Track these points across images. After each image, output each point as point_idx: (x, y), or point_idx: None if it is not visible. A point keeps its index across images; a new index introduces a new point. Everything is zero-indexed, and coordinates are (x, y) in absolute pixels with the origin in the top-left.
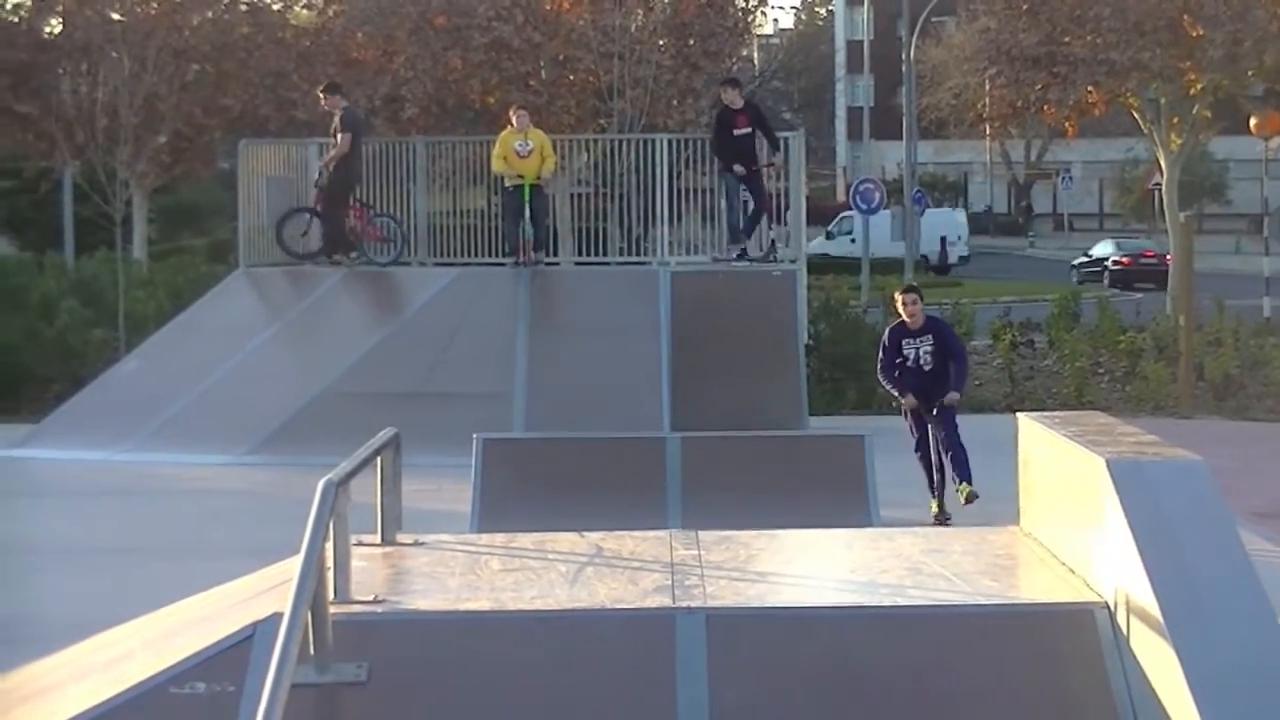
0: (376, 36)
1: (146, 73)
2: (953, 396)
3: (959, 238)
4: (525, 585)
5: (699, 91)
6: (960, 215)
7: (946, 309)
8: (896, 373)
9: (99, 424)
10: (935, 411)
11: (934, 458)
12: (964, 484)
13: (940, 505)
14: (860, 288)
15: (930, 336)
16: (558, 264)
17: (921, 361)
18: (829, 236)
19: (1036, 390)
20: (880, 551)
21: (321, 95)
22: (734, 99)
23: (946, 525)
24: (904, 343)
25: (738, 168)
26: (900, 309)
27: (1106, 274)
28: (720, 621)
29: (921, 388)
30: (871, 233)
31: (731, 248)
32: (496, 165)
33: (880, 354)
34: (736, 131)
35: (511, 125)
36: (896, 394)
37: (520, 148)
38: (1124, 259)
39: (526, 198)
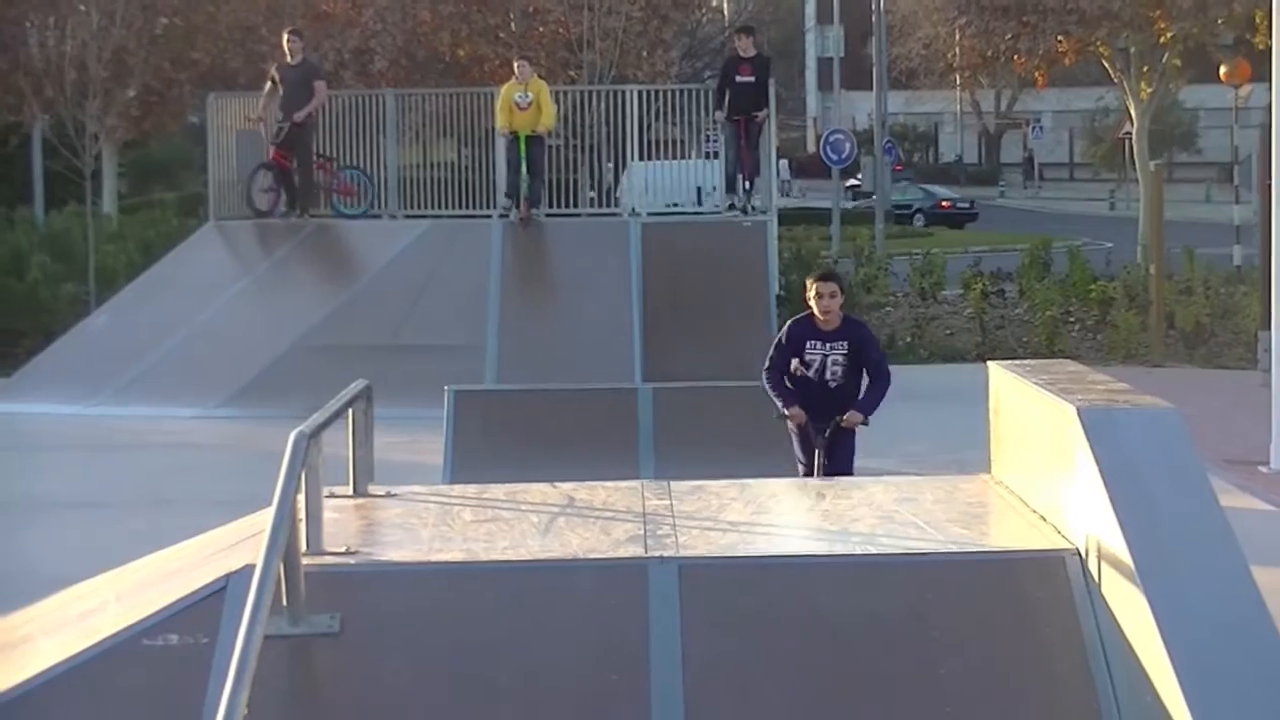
0: None
1: (115, 26)
2: (854, 417)
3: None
4: (497, 536)
5: (668, 43)
6: None
7: (918, 259)
8: (787, 382)
9: (70, 378)
10: (828, 434)
11: None
12: None
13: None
14: (831, 238)
15: (845, 343)
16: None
17: (828, 374)
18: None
19: (1007, 339)
20: (852, 500)
21: (295, 37)
22: (746, 47)
23: None
24: (809, 345)
25: (736, 116)
26: (811, 300)
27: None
28: (693, 571)
29: (820, 408)
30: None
31: (728, 196)
32: (499, 118)
33: (771, 351)
34: (739, 79)
35: (515, 76)
36: (780, 402)
37: (520, 99)
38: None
39: (523, 150)
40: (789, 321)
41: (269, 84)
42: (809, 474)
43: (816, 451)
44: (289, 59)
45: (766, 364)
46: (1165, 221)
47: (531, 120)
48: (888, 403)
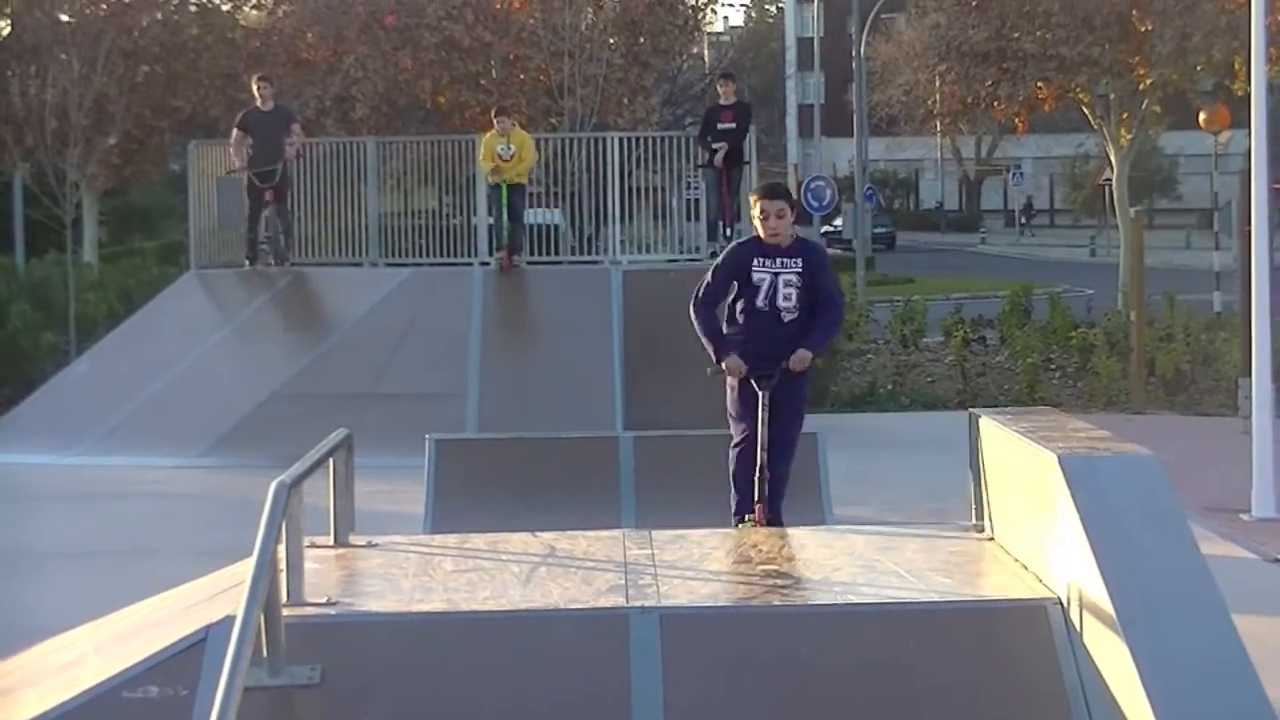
0: (327, 36)
1: (96, 74)
2: (802, 356)
3: None
4: (479, 586)
5: (649, 89)
6: None
7: (899, 306)
8: (727, 316)
9: (50, 427)
10: (776, 380)
11: (759, 455)
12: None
13: (759, 497)
14: None
15: (799, 261)
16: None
17: (780, 299)
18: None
19: (988, 387)
20: (833, 549)
21: (265, 84)
22: (728, 93)
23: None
24: (756, 264)
25: (717, 162)
26: (756, 221)
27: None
28: (674, 620)
29: (770, 349)
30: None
31: (710, 243)
32: (482, 165)
33: (706, 277)
34: (720, 126)
35: (496, 129)
36: (712, 350)
37: (503, 151)
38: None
39: (505, 198)
40: (730, 245)
41: (237, 132)
42: (750, 440)
43: (761, 411)
44: (260, 105)
45: (698, 292)
46: (1146, 268)
47: (514, 170)
48: (869, 450)
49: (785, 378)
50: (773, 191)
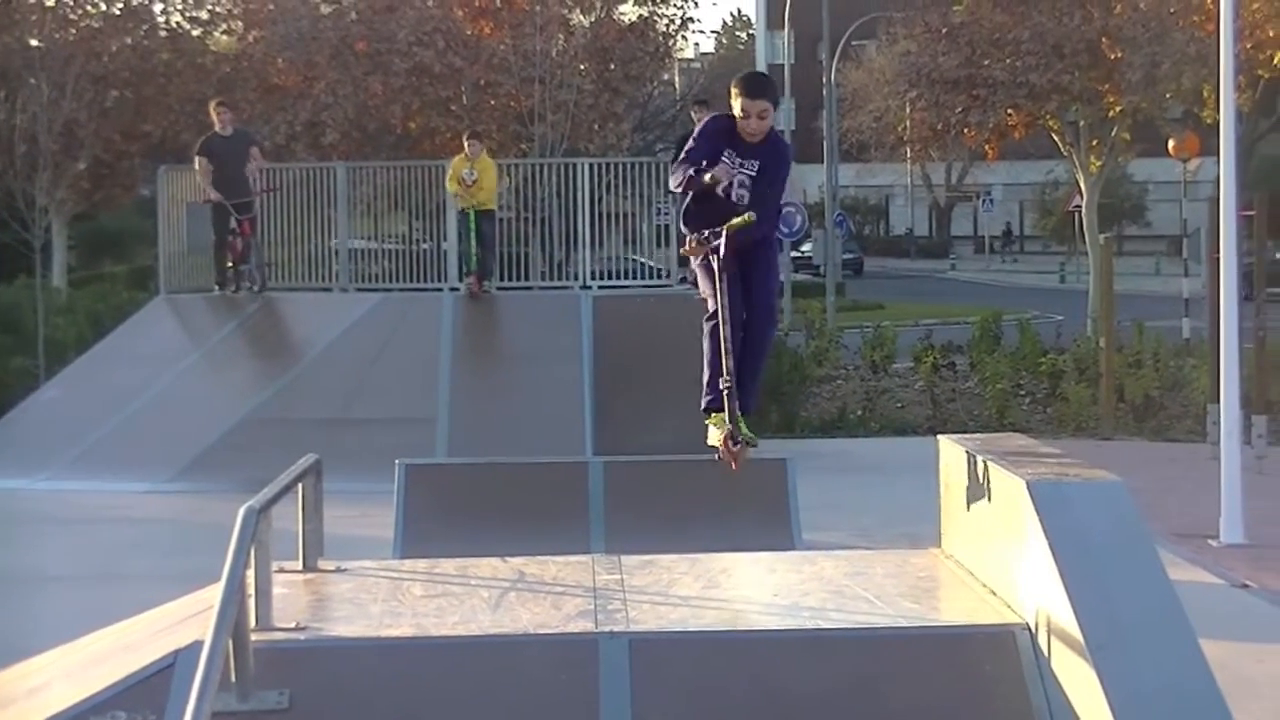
0: (297, 62)
1: (66, 99)
2: (749, 217)
3: None
4: (448, 611)
5: (620, 115)
6: None
7: (869, 332)
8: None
9: (18, 452)
10: (723, 239)
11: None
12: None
13: (732, 418)
14: (782, 311)
15: (756, 163)
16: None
17: (733, 192)
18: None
19: (958, 412)
20: (803, 574)
21: (224, 109)
22: (700, 120)
23: (738, 451)
24: (726, 155)
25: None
26: (736, 114)
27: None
28: (644, 646)
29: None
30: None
31: (680, 269)
32: (450, 188)
33: (692, 142)
34: None
35: (465, 153)
36: (688, 186)
37: (466, 175)
38: None
39: (474, 225)
40: (712, 116)
41: (202, 159)
42: (729, 304)
43: (726, 235)
44: (219, 129)
45: (682, 157)
46: (1115, 294)
47: (478, 196)
48: (840, 475)
49: (750, 244)
50: (757, 88)
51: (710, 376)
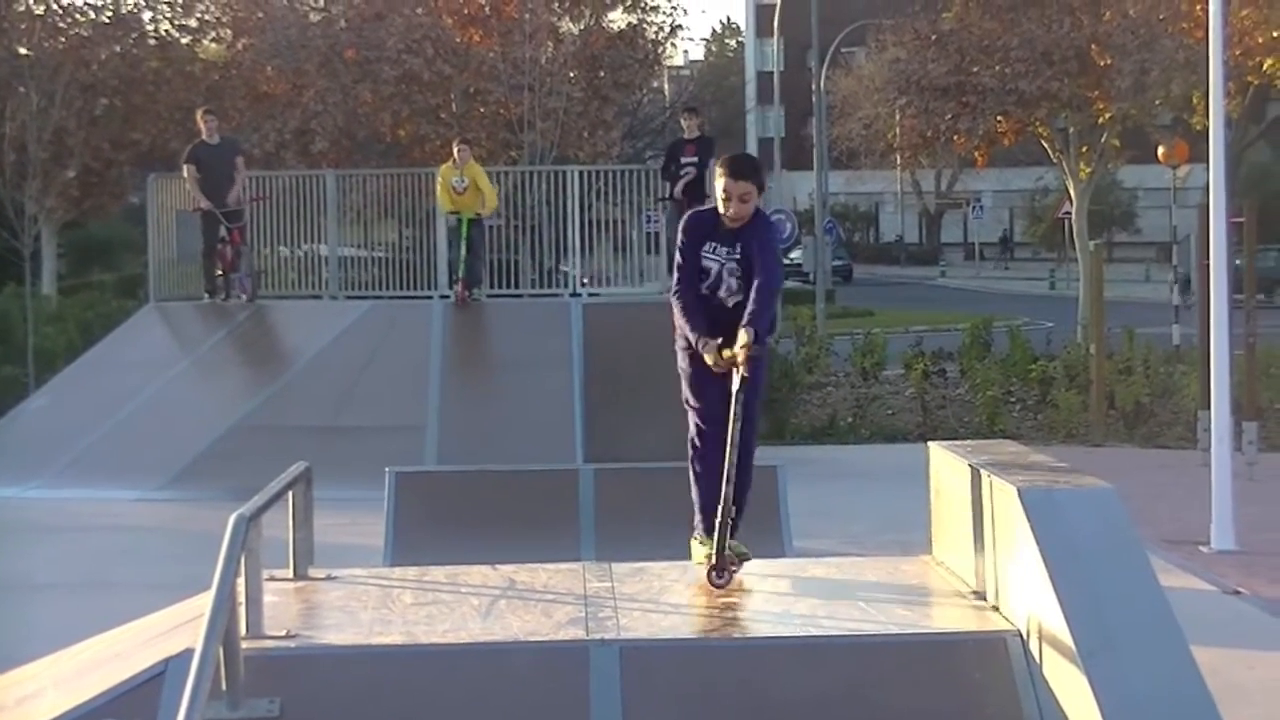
0: (286, 70)
1: (55, 107)
2: (743, 334)
3: None
4: (438, 619)
5: (610, 123)
6: None
7: (859, 339)
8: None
9: (8, 460)
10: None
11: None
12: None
13: (721, 546)
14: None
15: (739, 245)
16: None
17: (723, 290)
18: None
19: (949, 419)
20: (793, 581)
21: (211, 117)
22: (691, 128)
23: (725, 574)
24: (707, 249)
25: (677, 193)
26: (719, 200)
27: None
28: (634, 653)
29: (725, 334)
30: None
31: (670, 276)
32: (440, 200)
33: (678, 258)
34: (683, 160)
35: (453, 160)
36: (691, 336)
37: (457, 183)
38: None
39: (464, 233)
40: (691, 214)
41: (190, 167)
42: (714, 431)
43: (735, 402)
44: (205, 138)
45: (676, 277)
46: (1105, 301)
47: (472, 203)
48: (830, 482)
49: (746, 367)
50: (739, 170)
51: (705, 502)
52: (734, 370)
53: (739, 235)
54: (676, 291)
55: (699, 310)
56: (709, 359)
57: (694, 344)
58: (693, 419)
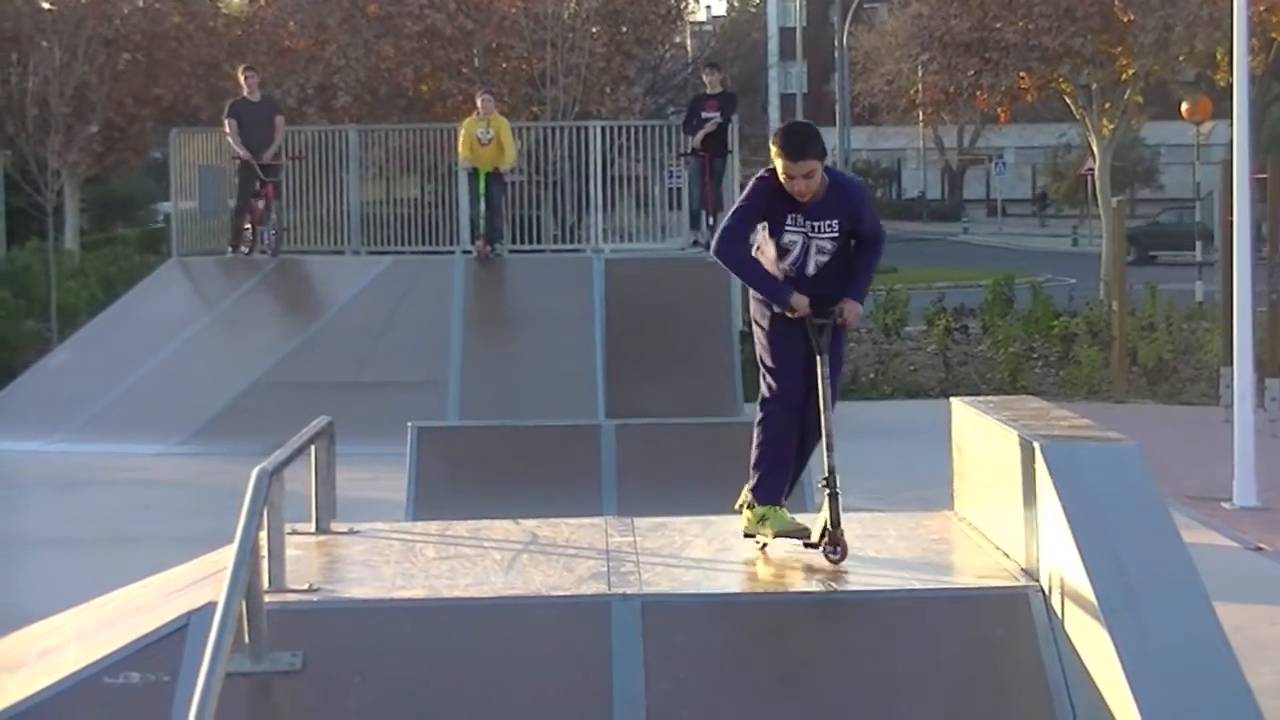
0: (308, 25)
1: (77, 62)
2: (854, 309)
3: None
4: (460, 573)
5: (632, 79)
6: None
7: (880, 295)
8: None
9: (31, 415)
10: (821, 334)
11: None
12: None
13: (835, 518)
14: None
15: (836, 222)
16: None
17: (810, 266)
18: None
19: (970, 375)
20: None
21: (253, 73)
22: (713, 83)
23: (840, 548)
24: (790, 222)
25: (696, 142)
26: (782, 177)
27: None
28: (656, 608)
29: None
30: None
31: (692, 232)
32: (461, 152)
33: (735, 213)
34: (704, 115)
35: (477, 111)
36: (768, 291)
37: (482, 134)
38: None
39: (482, 187)
40: (760, 176)
41: (231, 121)
42: (793, 398)
43: (819, 361)
44: (247, 94)
45: (725, 229)
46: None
47: (493, 156)
48: (851, 439)
49: (834, 329)
50: (800, 149)
51: (769, 468)
52: (807, 323)
53: (828, 207)
54: (725, 248)
55: (751, 259)
56: (797, 310)
57: (775, 298)
58: (769, 380)
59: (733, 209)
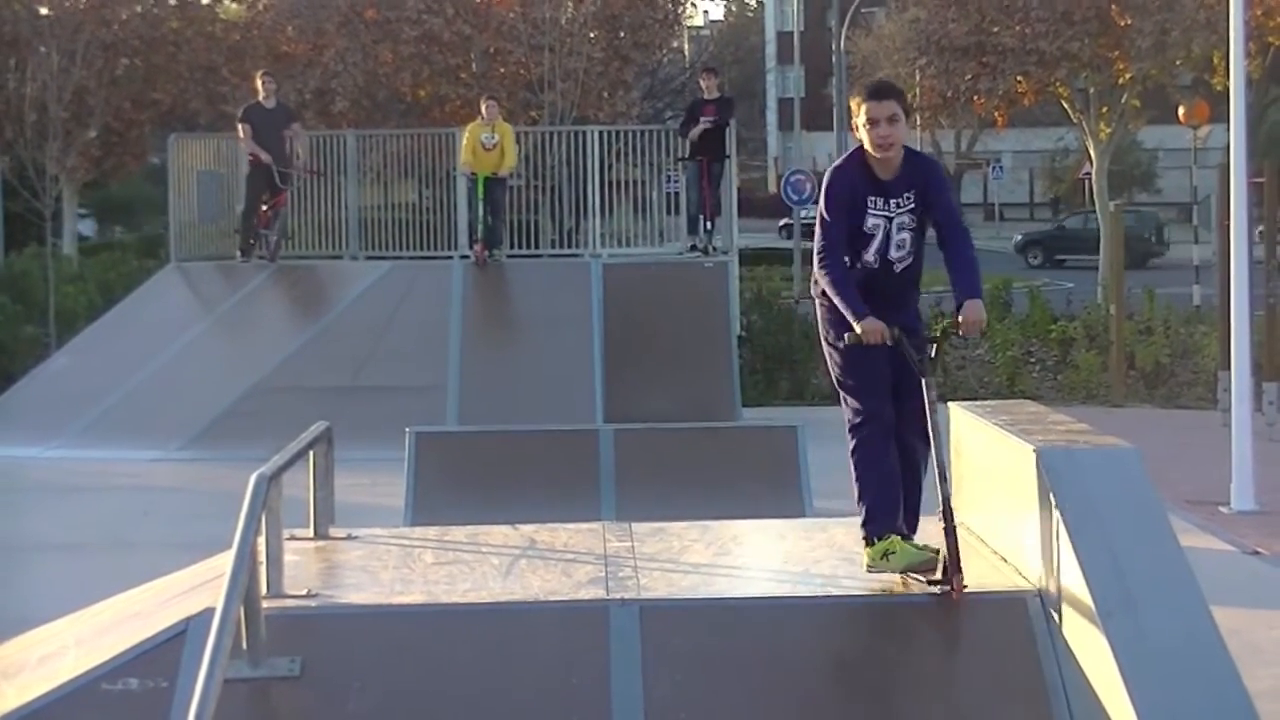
0: (306, 30)
1: (75, 67)
2: (977, 315)
3: None
4: (459, 578)
5: (629, 84)
6: None
7: None
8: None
9: (29, 420)
10: (934, 351)
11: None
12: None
13: (954, 551)
14: (792, 279)
15: (911, 194)
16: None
17: (893, 250)
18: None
19: (969, 379)
20: (813, 542)
21: (270, 79)
22: (710, 88)
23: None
24: (871, 205)
25: (693, 136)
26: (861, 131)
27: None
28: (654, 613)
29: (884, 309)
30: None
31: (689, 237)
32: (464, 157)
33: (825, 219)
34: (702, 119)
35: (481, 117)
36: (851, 314)
37: (487, 140)
38: None
39: (481, 192)
40: (832, 170)
41: (246, 126)
42: (883, 422)
43: (925, 386)
44: (263, 100)
45: (822, 246)
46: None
47: (495, 162)
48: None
49: (944, 341)
50: (879, 90)
51: (875, 495)
52: (899, 345)
53: (904, 179)
54: (826, 264)
55: (854, 284)
56: (880, 338)
57: (855, 316)
58: (854, 404)
59: (819, 225)
